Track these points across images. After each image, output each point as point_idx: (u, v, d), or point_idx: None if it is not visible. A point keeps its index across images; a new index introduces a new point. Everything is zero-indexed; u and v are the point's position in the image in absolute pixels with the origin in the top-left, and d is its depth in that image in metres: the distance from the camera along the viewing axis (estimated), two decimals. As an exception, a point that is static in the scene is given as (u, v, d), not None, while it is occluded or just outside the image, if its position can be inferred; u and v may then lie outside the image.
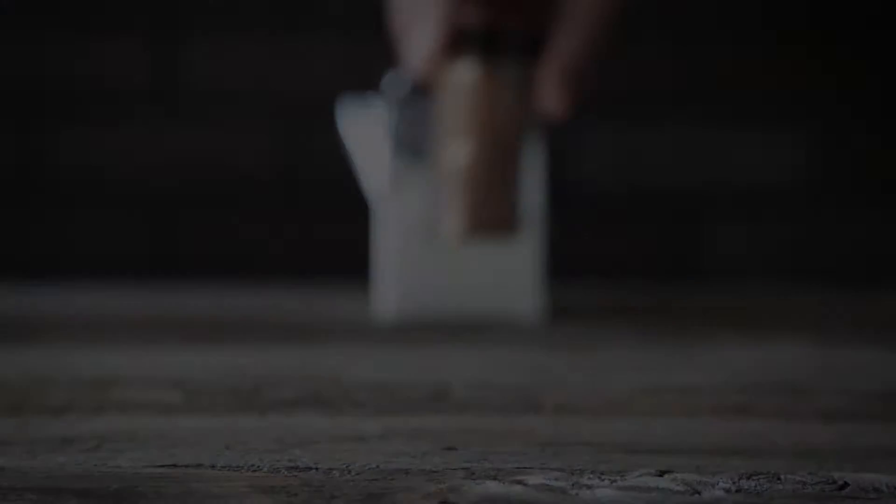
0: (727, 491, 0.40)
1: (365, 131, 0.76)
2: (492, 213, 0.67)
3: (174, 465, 0.42)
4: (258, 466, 0.42)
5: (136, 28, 0.96)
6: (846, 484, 0.40)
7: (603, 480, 0.40)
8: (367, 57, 0.87)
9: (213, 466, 0.42)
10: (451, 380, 0.57)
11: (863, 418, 0.51)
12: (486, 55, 0.66)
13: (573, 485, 0.40)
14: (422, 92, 0.72)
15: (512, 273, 0.75)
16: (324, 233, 0.95)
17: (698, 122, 0.98)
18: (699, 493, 0.39)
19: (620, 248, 0.97)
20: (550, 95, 0.66)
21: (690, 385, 0.57)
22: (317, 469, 0.42)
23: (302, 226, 0.93)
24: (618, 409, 0.52)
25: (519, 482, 0.40)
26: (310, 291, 0.86)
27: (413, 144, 0.71)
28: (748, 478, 0.41)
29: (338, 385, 0.56)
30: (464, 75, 0.67)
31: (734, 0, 0.98)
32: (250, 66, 0.96)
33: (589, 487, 0.40)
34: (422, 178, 0.72)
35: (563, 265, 0.79)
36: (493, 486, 0.40)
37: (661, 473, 0.41)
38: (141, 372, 0.59)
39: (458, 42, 0.66)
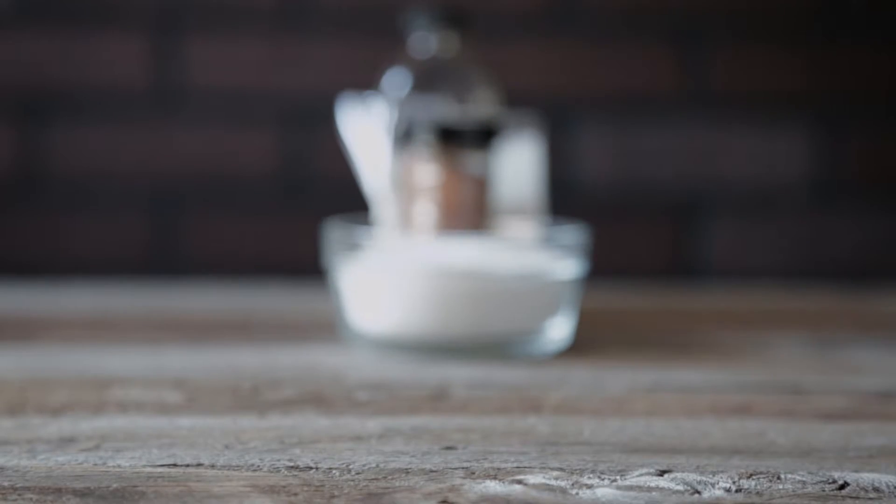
0: (727, 490, 0.40)
1: (365, 130, 0.76)
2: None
3: (174, 465, 0.42)
4: (258, 466, 0.42)
5: (137, 29, 0.96)
6: (846, 483, 0.40)
7: (603, 480, 0.40)
8: (366, 57, 0.87)
9: (212, 466, 0.42)
10: (451, 380, 0.57)
11: (862, 418, 0.51)
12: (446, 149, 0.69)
13: (573, 484, 0.40)
14: (421, 91, 0.73)
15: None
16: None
17: (698, 122, 0.98)
18: (699, 492, 0.39)
19: (620, 248, 0.97)
20: None
21: (690, 385, 0.57)
22: (317, 468, 0.42)
23: (302, 225, 0.93)
24: (617, 409, 0.52)
25: (519, 482, 0.40)
26: (310, 291, 0.86)
27: (412, 143, 0.71)
28: (748, 477, 0.41)
29: (338, 385, 0.56)
30: (429, 170, 0.69)
31: (734, 0, 0.98)
32: (251, 67, 0.96)
33: (589, 487, 0.40)
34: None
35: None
36: (493, 486, 0.40)
37: (662, 473, 0.41)
38: (141, 372, 0.59)
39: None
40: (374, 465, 0.42)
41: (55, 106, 0.96)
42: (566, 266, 0.65)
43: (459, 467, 0.42)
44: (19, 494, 0.38)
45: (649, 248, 0.98)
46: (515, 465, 0.42)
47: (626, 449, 0.45)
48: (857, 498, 0.39)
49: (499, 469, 0.42)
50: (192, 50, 0.96)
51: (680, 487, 0.40)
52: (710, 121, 0.98)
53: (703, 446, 0.45)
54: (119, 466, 0.42)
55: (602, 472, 0.41)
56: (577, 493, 0.39)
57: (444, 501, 0.38)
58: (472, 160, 0.70)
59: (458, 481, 0.40)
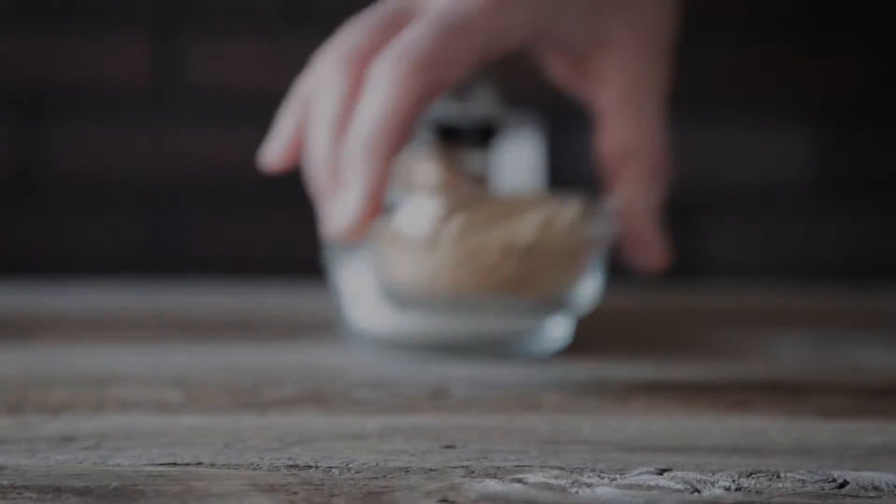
0: (727, 489, 0.40)
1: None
2: None
3: (174, 464, 0.42)
4: (258, 465, 0.42)
5: (137, 27, 0.96)
6: (846, 482, 0.40)
7: (603, 479, 0.40)
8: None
9: (212, 465, 0.42)
10: (451, 378, 0.57)
11: (863, 416, 0.51)
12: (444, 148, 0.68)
13: (573, 483, 0.40)
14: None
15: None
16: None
17: (698, 120, 0.98)
18: (699, 491, 0.39)
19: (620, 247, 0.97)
20: (650, 253, 0.63)
21: (690, 383, 0.57)
22: (316, 467, 0.42)
23: (302, 224, 0.93)
24: (617, 408, 0.52)
25: (519, 480, 0.40)
26: (310, 290, 0.86)
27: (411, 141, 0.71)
28: (748, 476, 0.41)
29: (337, 383, 0.56)
30: (428, 169, 0.69)
31: (734, 0, 0.98)
32: (251, 65, 0.96)
33: (589, 486, 0.40)
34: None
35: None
36: (492, 485, 0.40)
37: (661, 472, 0.41)
38: (141, 370, 0.59)
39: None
40: (373, 464, 0.42)
41: (54, 104, 0.96)
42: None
43: (459, 466, 0.42)
44: (18, 493, 0.38)
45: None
46: (515, 463, 0.42)
47: (625, 447, 0.45)
48: (857, 497, 0.39)
49: (498, 468, 0.42)
50: (192, 49, 0.96)
51: (680, 486, 0.40)
52: (710, 119, 0.98)
53: (703, 445, 0.46)
54: (119, 465, 0.42)
55: (602, 471, 0.41)
56: (576, 492, 0.39)
57: (443, 500, 0.38)
58: (471, 158, 0.70)
59: (457, 480, 0.40)
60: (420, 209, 0.55)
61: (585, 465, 0.42)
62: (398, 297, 0.55)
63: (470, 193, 0.58)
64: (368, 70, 0.57)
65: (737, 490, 0.40)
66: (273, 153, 0.62)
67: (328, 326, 0.70)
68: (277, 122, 0.63)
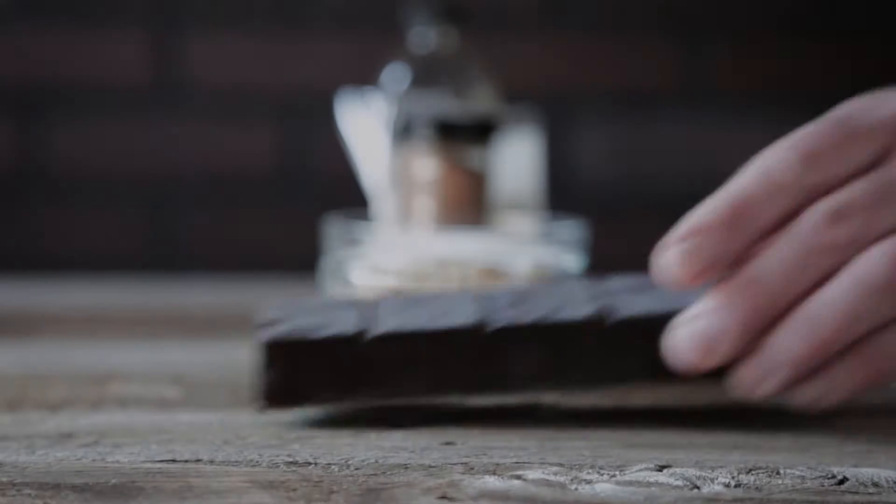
0: (726, 486, 0.40)
1: (364, 126, 0.76)
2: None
3: (173, 460, 0.42)
4: (257, 461, 0.42)
5: (137, 25, 0.96)
6: (845, 479, 0.40)
7: (602, 475, 0.40)
8: (365, 52, 0.87)
9: (211, 461, 0.42)
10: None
11: (862, 413, 0.51)
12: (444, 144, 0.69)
13: (572, 479, 0.40)
14: (420, 86, 0.73)
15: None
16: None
17: (699, 118, 0.98)
18: (698, 487, 0.39)
19: (619, 247, 0.97)
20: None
21: (689, 380, 0.57)
22: (315, 464, 0.42)
23: (301, 221, 0.93)
24: (617, 404, 0.52)
25: (518, 477, 0.40)
26: (309, 288, 0.86)
27: (411, 138, 0.71)
28: (747, 472, 0.41)
29: (337, 380, 0.56)
30: (428, 164, 0.70)
31: (735, 0, 0.98)
32: (250, 62, 0.96)
33: (588, 482, 0.40)
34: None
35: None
36: (492, 481, 0.40)
37: (661, 468, 0.41)
38: (140, 367, 0.59)
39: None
40: (372, 461, 0.42)
41: (55, 102, 0.96)
42: (565, 262, 0.65)
43: (458, 462, 0.42)
44: (18, 490, 0.38)
45: (649, 244, 0.98)
46: (514, 460, 0.42)
47: (625, 444, 0.45)
48: (856, 493, 0.39)
49: (498, 464, 0.42)
50: (191, 46, 0.96)
51: (679, 482, 0.40)
52: (711, 116, 0.98)
53: (703, 441, 0.45)
54: (118, 462, 0.42)
55: (601, 468, 0.41)
56: (576, 489, 0.39)
57: (443, 496, 0.38)
58: (471, 155, 0.70)
59: (457, 476, 0.40)
60: None
61: (585, 462, 0.42)
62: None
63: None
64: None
65: (736, 486, 0.39)
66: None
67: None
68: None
